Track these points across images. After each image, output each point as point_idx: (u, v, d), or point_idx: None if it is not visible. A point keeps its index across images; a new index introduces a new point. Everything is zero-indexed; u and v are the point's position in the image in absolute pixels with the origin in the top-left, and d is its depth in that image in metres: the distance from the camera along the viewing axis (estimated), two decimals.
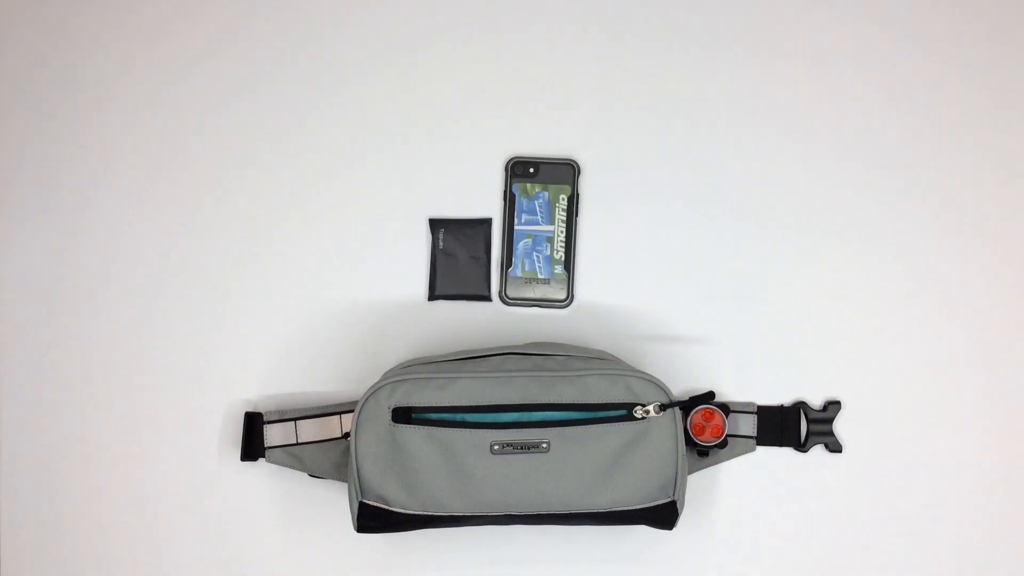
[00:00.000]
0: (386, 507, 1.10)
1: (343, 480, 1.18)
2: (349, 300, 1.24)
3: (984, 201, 1.23)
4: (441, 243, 1.23)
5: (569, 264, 1.23)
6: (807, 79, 1.24)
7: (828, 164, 1.24)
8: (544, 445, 1.09)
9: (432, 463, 1.09)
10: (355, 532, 1.20)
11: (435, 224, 1.23)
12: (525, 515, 1.10)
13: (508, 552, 1.21)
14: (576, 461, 1.09)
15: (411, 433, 1.09)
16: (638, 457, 1.09)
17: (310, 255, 1.24)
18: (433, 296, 1.23)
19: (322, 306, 1.24)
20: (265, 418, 1.20)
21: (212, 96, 1.25)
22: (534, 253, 1.23)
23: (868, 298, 1.23)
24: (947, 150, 1.24)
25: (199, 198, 1.25)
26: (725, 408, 1.18)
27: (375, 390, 1.09)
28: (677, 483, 1.10)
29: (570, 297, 1.23)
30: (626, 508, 1.10)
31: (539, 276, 1.23)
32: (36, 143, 1.25)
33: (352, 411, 1.18)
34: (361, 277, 1.24)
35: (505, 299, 1.23)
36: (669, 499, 1.10)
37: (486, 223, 1.23)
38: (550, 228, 1.23)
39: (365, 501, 1.10)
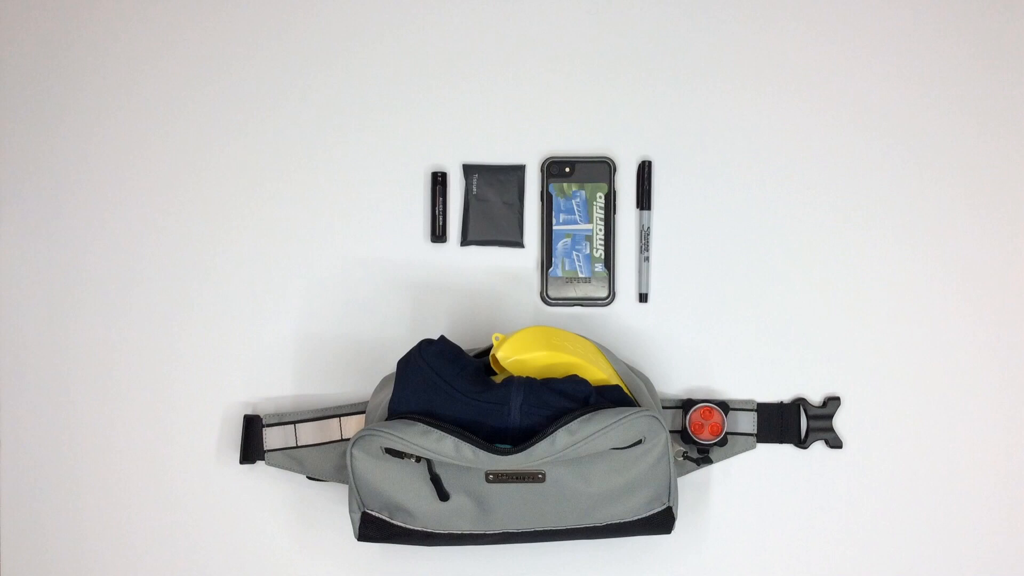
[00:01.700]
0: (387, 519, 1.10)
1: (343, 482, 1.18)
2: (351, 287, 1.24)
3: (982, 199, 1.22)
4: (475, 189, 1.22)
5: (609, 262, 1.22)
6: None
7: (827, 163, 1.23)
8: (540, 475, 1.08)
9: (428, 491, 1.09)
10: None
11: (469, 170, 1.23)
12: (523, 533, 1.10)
13: (506, 556, 1.22)
14: (571, 486, 1.08)
15: (405, 466, 1.08)
16: (632, 476, 1.09)
17: (310, 253, 1.24)
18: (466, 242, 1.23)
19: (320, 307, 1.23)
20: (264, 421, 1.19)
21: (214, 98, 1.24)
22: (573, 252, 1.22)
23: (867, 294, 1.22)
24: (946, 151, 1.23)
25: (199, 198, 1.23)
26: (724, 406, 1.18)
27: (362, 437, 1.06)
28: (671, 491, 1.10)
29: (612, 295, 1.23)
30: (623, 521, 1.10)
31: (580, 275, 1.22)
32: (37, 146, 1.23)
33: (351, 413, 1.19)
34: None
35: (547, 299, 1.22)
36: (664, 506, 1.10)
37: (519, 169, 1.23)
38: (588, 227, 1.22)
39: (367, 511, 1.10)
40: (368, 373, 1.23)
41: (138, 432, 1.23)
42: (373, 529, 1.10)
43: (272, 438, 1.19)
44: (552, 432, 1.04)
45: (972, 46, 1.23)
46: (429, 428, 1.05)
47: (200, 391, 1.23)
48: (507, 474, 1.07)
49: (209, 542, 1.22)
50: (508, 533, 1.10)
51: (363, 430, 1.06)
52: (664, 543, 1.21)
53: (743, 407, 1.21)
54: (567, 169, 1.22)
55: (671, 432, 1.18)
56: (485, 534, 1.10)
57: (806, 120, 1.23)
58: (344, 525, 1.21)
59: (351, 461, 1.08)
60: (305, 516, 1.22)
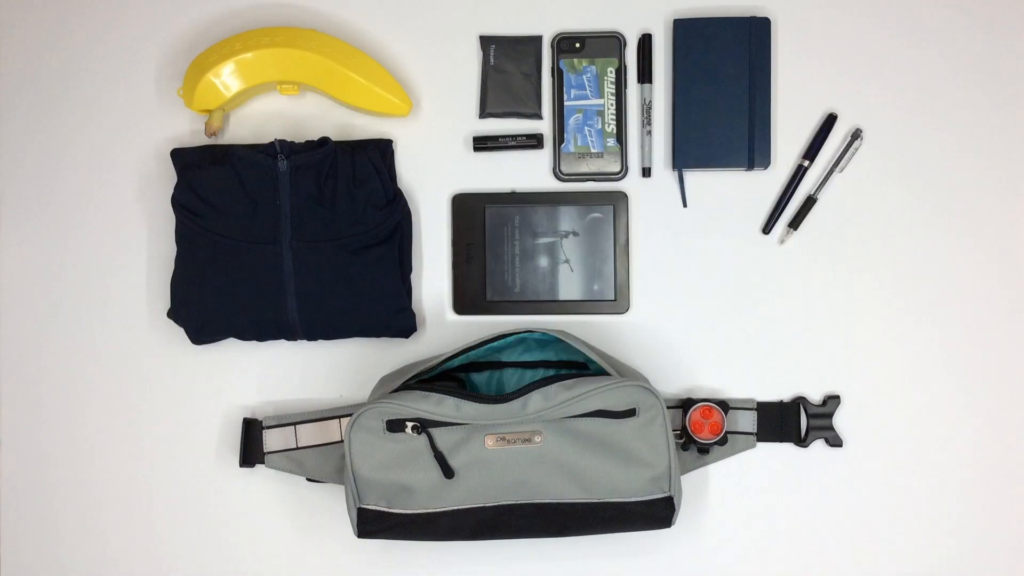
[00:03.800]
0: (385, 509, 1.10)
1: (343, 483, 1.18)
2: None
3: (981, 199, 1.22)
4: (492, 60, 1.22)
5: (621, 136, 1.22)
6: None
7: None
8: (537, 439, 1.09)
9: (428, 461, 1.09)
10: (355, 537, 1.20)
11: (486, 41, 1.23)
12: (524, 506, 1.10)
13: (506, 552, 1.22)
14: (568, 452, 1.09)
15: (406, 438, 1.09)
16: (629, 448, 1.09)
17: None
18: (484, 114, 1.23)
19: None
20: (264, 423, 1.19)
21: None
22: (585, 128, 1.22)
23: (865, 292, 1.22)
24: (949, 152, 1.22)
25: None
26: (724, 405, 1.18)
27: (367, 409, 1.09)
28: (672, 477, 1.10)
29: (624, 169, 1.22)
30: (621, 500, 1.10)
31: (592, 150, 1.22)
32: (38, 145, 1.23)
33: (351, 414, 1.18)
34: None
35: (559, 175, 1.22)
36: (665, 494, 1.10)
37: (536, 40, 1.23)
38: (600, 102, 1.22)
39: (363, 506, 1.10)
40: (367, 374, 1.23)
41: (138, 435, 1.23)
42: (372, 523, 1.11)
43: (272, 440, 1.19)
44: (546, 386, 1.08)
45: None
46: (427, 393, 1.08)
47: (199, 394, 1.23)
48: (506, 436, 1.09)
49: (210, 545, 1.22)
50: (510, 507, 1.10)
51: (362, 407, 1.09)
52: (665, 541, 1.21)
53: (743, 406, 1.21)
54: (577, 44, 1.22)
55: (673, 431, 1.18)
56: (485, 507, 1.10)
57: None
58: (344, 526, 1.22)
59: (349, 446, 1.09)
60: (305, 518, 1.22)
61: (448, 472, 1.09)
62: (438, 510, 1.10)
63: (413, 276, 1.22)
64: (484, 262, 1.21)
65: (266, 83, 1.19)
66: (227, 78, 1.18)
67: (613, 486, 1.10)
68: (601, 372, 1.13)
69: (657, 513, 1.11)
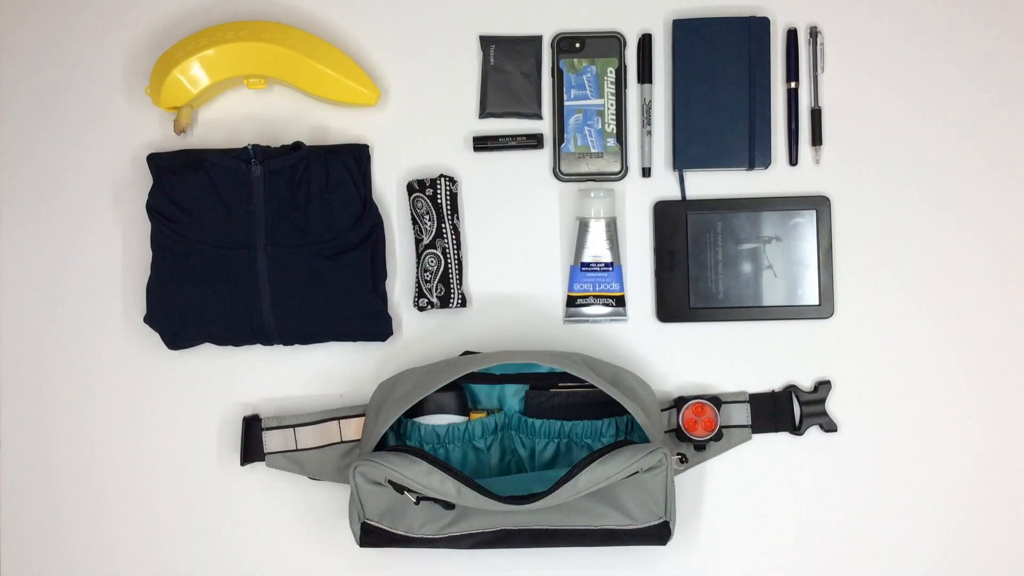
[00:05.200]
0: (388, 529, 1.12)
1: (344, 482, 1.19)
2: None
3: (974, 189, 1.22)
4: (492, 60, 1.22)
5: (621, 136, 1.22)
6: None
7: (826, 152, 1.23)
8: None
9: (430, 507, 1.11)
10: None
11: (486, 41, 1.22)
12: (522, 532, 1.12)
13: (507, 558, 1.23)
14: (571, 503, 1.10)
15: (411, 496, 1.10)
16: (631, 497, 1.11)
17: None
18: (484, 114, 1.23)
19: None
20: (264, 425, 1.19)
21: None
22: (585, 128, 1.22)
23: (851, 278, 1.22)
24: (946, 147, 1.23)
25: None
26: (716, 400, 1.19)
27: (364, 463, 1.08)
28: (667, 506, 1.12)
29: (624, 169, 1.23)
30: (618, 527, 1.12)
31: (592, 150, 1.22)
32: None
33: (351, 416, 1.19)
34: None
35: (559, 175, 1.22)
36: (661, 520, 1.13)
37: (536, 40, 1.22)
38: (600, 102, 1.22)
39: (367, 521, 1.12)
40: (367, 374, 1.23)
41: (137, 436, 1.23)
42: (374, 537, 1.12)
43: (272, 441, 1.19)
44: (576, 474, 1.07)
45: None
46: (433, 469, 1.07)
47: (199, 395, 1.23)
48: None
49: (211, 543, 1.23)
50: (508, 532, 1.12)
51: (366, 458, 1.08)
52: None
53: (735, 399, 1.21)
54: (577, 44, 1.22)
55: (666, 432, 1.20)
56: (485, 532, 1.12)
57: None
58: (345, 526, 1.22)
59: (354, 479, 1.10)
60: (307, 516, 1.23)
61: (448, 505, 1.10)
62: (439, 536, 1.12)
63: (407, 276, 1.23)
64: (687, 269, 1.21)
65: (232, 78, 1.18)
66: (193, 74, 1.17)
67: (612, 519, 1.11)
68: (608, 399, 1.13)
69: (653, 534, 1.13)
